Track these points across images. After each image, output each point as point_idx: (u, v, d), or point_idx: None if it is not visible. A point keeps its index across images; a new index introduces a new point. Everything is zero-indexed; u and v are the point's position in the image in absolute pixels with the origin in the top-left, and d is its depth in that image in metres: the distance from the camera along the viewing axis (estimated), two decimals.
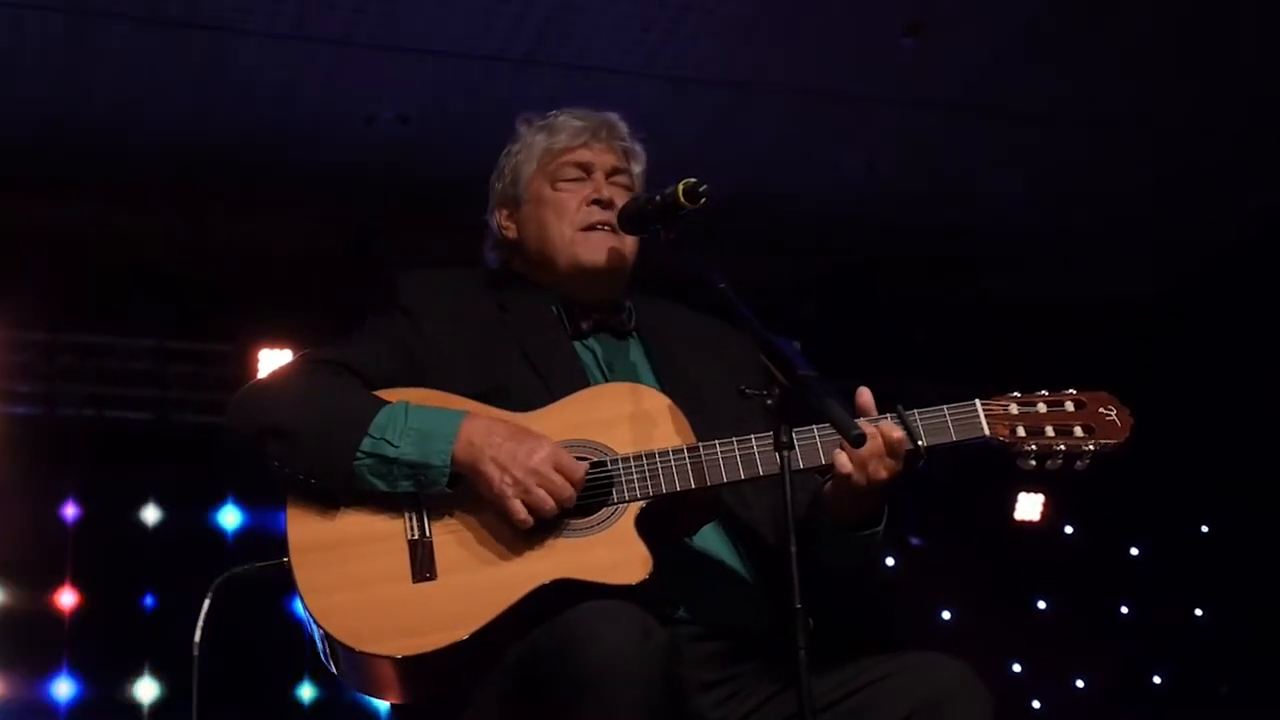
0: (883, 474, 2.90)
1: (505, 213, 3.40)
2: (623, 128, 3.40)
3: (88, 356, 7.94)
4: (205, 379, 8.06)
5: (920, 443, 2.92)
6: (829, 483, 2.98)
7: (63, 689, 7.77)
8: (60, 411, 7.93)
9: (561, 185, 3.33)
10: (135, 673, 7.78)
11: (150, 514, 8.07)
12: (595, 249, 3.26)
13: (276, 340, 7.81)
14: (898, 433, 2.90)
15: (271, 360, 7.66)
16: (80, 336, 7.95)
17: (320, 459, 2.93)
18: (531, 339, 3.20)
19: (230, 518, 8.17)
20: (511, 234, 3.38)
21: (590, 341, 3.27)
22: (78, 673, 7.78)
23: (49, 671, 7.71)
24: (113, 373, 7.99)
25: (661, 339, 3.31)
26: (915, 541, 9.29)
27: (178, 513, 8.05)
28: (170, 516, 8.05)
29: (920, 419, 2.95)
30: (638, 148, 3.42)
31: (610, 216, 3.26)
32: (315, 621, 2.88)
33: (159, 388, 8.03)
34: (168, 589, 7.79)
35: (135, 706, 7.73)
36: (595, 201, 3.29)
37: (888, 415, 2.95)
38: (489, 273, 3.41)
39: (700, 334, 3.33)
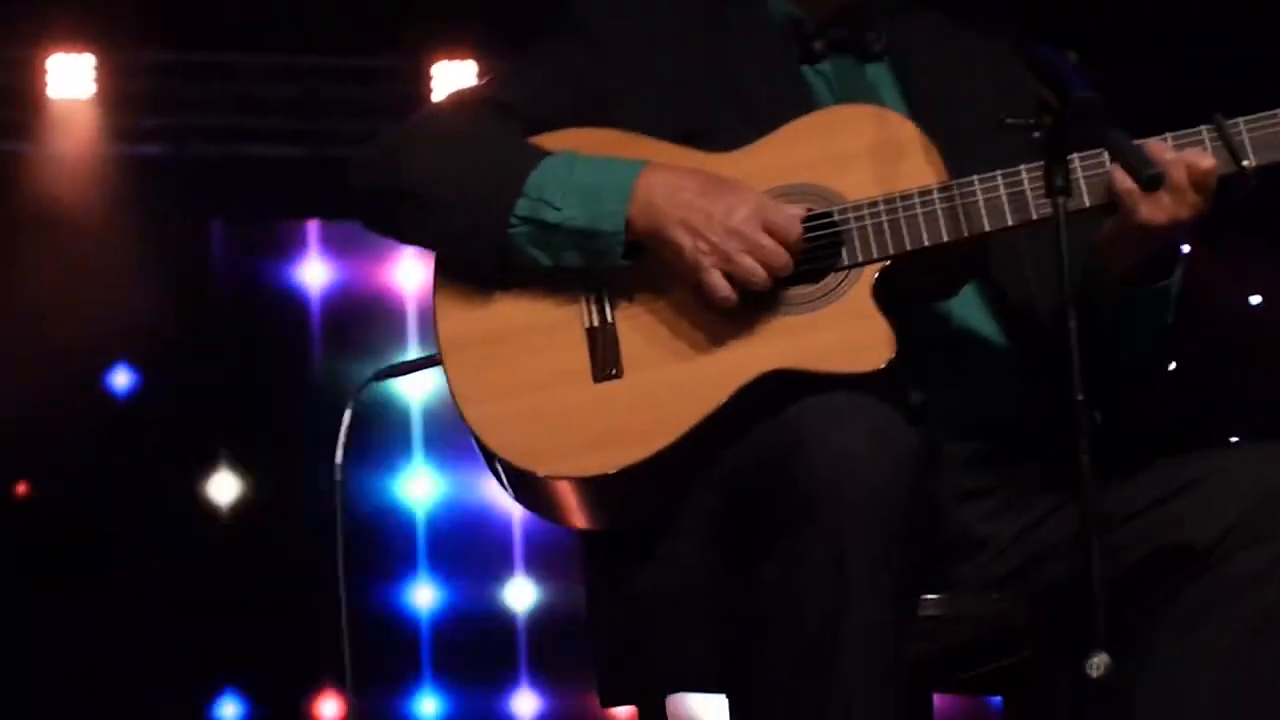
0: (1183, 214, 2.47)
1: None
2: None
3: (222, 81, 7.45)
4: (366, 103, 7.43)
5: (1246, 162, 2.48)
6: (1107, 224, 2.57)
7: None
8: (189, 150, 7.46)
9: None
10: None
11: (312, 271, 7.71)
12: None
13: (455, 50, 7.12)
14: (1208, 160, 2.46)
15: (449, 76, 7.08)
16: (211, 55, 7.36)
17: (468, 227, 2.63)
18: (745, 62, 2.77)
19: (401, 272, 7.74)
20: None
21: (824, 65, 2.81)
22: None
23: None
24: (252, 100, 7.49)
25: (918, 62, 2.83)
26: None
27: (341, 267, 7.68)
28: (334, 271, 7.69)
29: (1246, 131, 2.50)
30: None
31: None
32: (477, 436, 2.60)
33: (308, 118, 7.51)
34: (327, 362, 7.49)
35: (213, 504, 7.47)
36: None
37: (1201, 128, 2.51)
38: None
39: (973, 54, 2.84)
